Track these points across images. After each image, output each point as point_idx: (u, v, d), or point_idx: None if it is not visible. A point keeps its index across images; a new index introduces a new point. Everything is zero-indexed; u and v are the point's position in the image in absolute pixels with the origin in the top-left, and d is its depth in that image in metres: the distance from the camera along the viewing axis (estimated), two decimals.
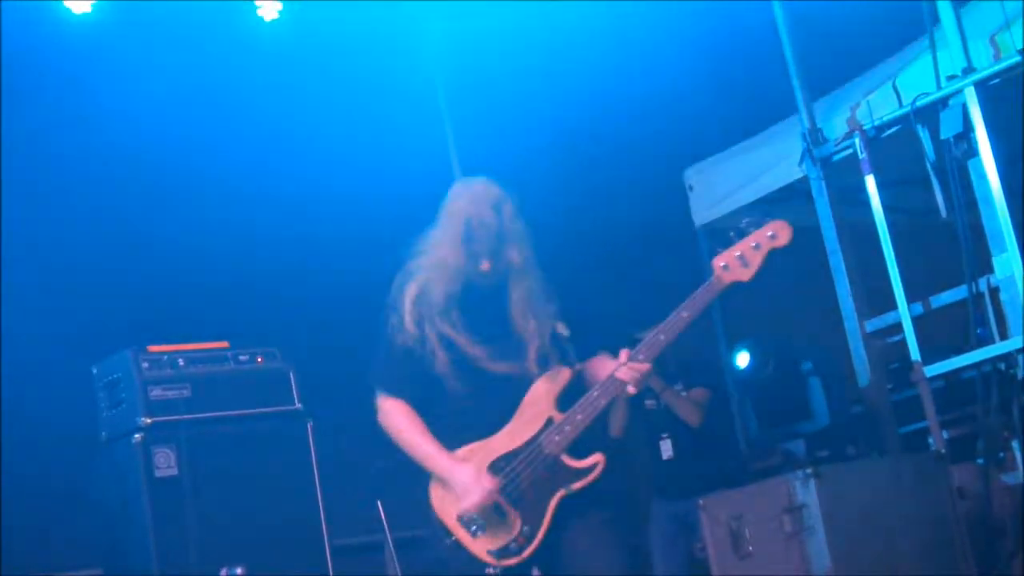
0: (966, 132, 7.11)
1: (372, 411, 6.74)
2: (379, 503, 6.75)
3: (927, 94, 7.26)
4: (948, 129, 7.18)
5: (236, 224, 6.97)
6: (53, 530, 6.36)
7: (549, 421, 4.47)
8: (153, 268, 6.81)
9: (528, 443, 4.46)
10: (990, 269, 7.20)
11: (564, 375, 4.54)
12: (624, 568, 4.50)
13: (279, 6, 7.02)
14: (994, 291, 7.17)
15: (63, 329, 6.53)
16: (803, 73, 7.74)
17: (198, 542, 6.00)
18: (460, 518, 4.44)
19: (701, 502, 6.40)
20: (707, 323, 6.51)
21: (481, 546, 4.42)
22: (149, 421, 6.04)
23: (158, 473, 6.02)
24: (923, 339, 7.30)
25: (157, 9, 6.61)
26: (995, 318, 7.16)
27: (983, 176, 7.05)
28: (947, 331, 7.42)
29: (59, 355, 6.48)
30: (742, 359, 7.84)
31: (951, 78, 7.17)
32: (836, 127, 7.72)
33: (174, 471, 6.06)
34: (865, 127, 7.47)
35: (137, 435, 6.01)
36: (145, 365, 6.15)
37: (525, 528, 4.42)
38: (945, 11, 7.07)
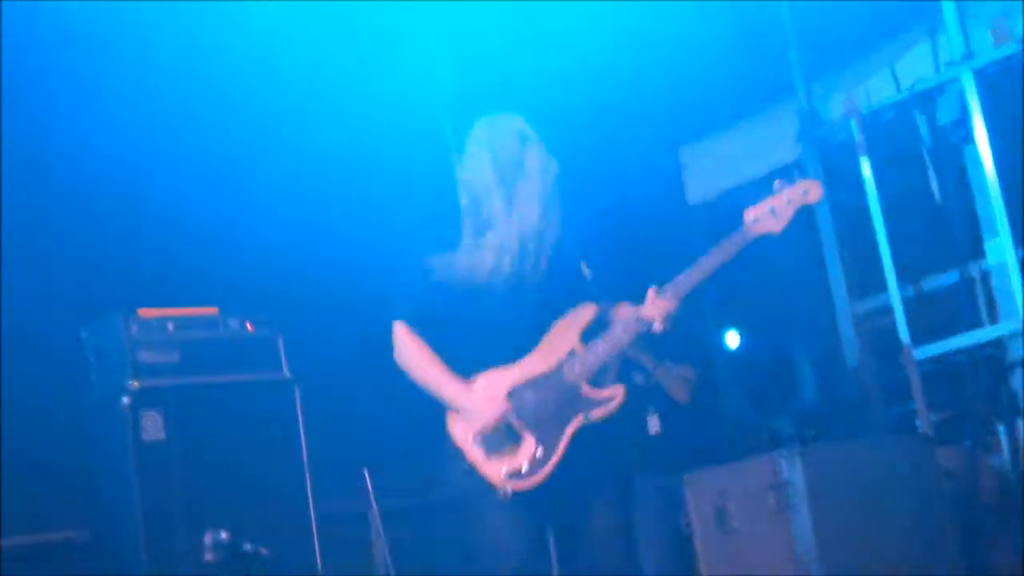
0: (963, 119, 7.17)
1: (360, 379, 6.86)
2: (365, 472, 6.89)
3: (925, 79, 7.33)
4: (945, 115, 7.26)
5: (229, 189, 6.94)
6: (40, 492, 6.26)
7: (572, 352, 4.54)
8: (144, 231, 6.77)
9: (549, 370, 4.54)
10: (982, 254, 7.27)
11: (590, 311, 4.61)
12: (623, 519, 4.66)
13: None
14: (985, 276, 7.26)
15: (52, 290, 6.46)
16: (801, 55, 7.80)
17: (184, 506, 5.96)
18: (474, 440, 4.50)
19: (686, 477, 6.40)
20: (697, 302, 6.51)
21: (495, 468, 4.47)
22: (137, 385, 6.02)
23: (145, 437, 5.98)
24: (913, 322, 7.34)
25: None
26: (985, 303, 7.27)
27: (978, 162, 7.11)
28: (938, 314, 7.45)
29: (48, 317, 6.39)
30: (732, 339, 7.87)
31: (949, 64, 7.24)
32: (833, 109, 7.79)
33: (161, 435, 6.02)
34: (862, 111, 7.51)
35: (125, 398, 5.98)
36: (134, 329, 6.11)
37: (540, 451, 4.47)
38: None
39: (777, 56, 7.74)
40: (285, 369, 6.43)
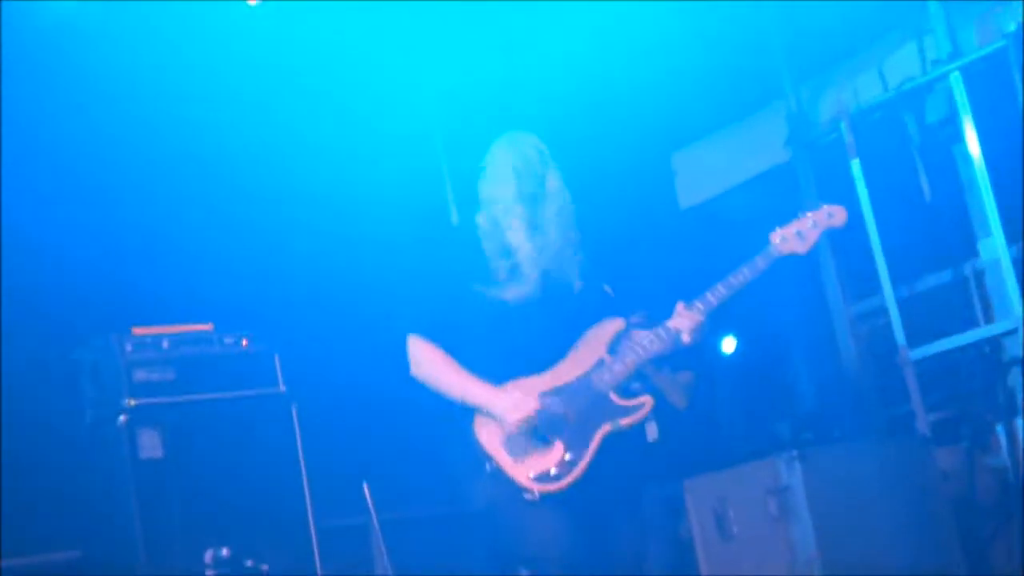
0: (952, 117, 7.17)
1: (357, 394, 6.86)
2: (365, 485, 6.90)
3: (913, 79, 7.32)
4: (934, 114, 7.26)
5: (223, 208, 6.96)
6: (36, 512, 6.28)
7: (601, 362, 4.65)
8: (138, 250, 6.79)
9: (578, 379, 4.63)
10: (976, 253, 7.28)
11: (617, 324, 4.72)
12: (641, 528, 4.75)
13: None
14: (979, 274, 7.26)
15: (46, 310, 6.50)
16: (789, 57, 7.81)
17: (183, 524, 5.98)
18: (502, 444, 4.55)
19: (686, 484, 6.43)
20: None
21: (523, 471, 4.51)
22: (133, 403, 6.04)
23: (143, 455, 6.01)
24: (908, 322, 7.34)
25: None
26: (980, 302, 7.25)
27: (968, 160, 7.10)
28: (933, 314, 7.44)
29: (42, 337, 6.46)
30: (728, 344, 7.86)
31: (936, 63, 7.22)
32: (822, 111, 7.81)
33: (159, 453, 6.04)
34: (851, 112, 7.51)
35: (121, 417, 6.01)
36: (129, 347, 6.13)
37: (568, 456, 4.53)
38: None
39: (765, 59, 7.77)
40: (281, 384, 6.43)
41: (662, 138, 8.60)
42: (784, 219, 4.73)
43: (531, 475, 4.52)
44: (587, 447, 4.55)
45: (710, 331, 4.82)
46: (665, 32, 7.21)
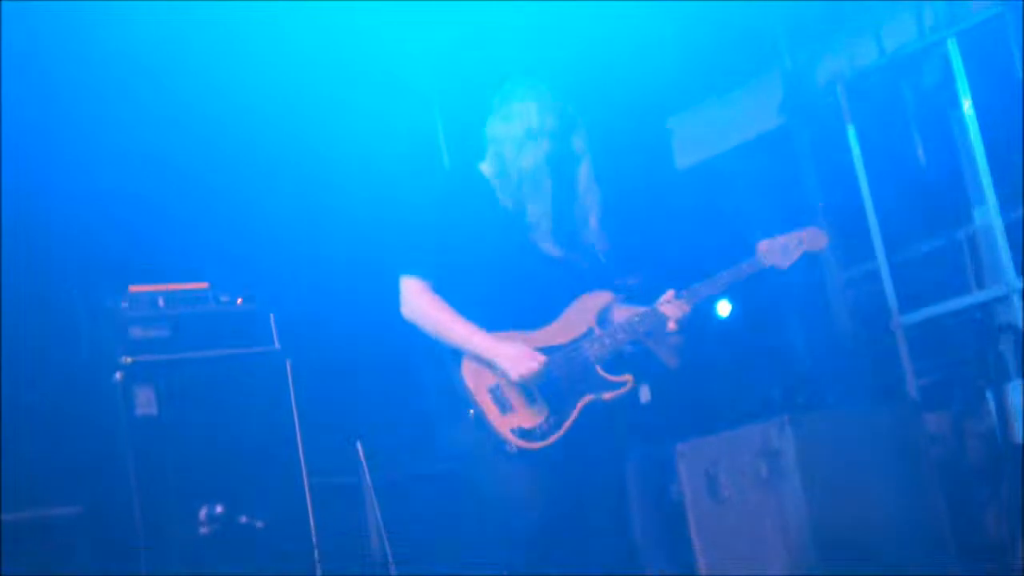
0: (947, 82, 7.17)
1: (351, 353, 6.89)
2: (358, 444, 6.80)
3: (909, 44, 7.35)
4: (930, 79, 7.29)
5: (219, 169, 6.95)
6: (34, 468, 6.23)
7: (590, 331, 4.69)
8: (135, 211, 6.75)
9: (569, 343, 4.66)
10: (969, 218, 7.28)
11: (606, 296, 4.78)
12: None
13: None
14: (972, 240, 7.27)
15: (44, 268, 6.51)
16: (787, 22, 7.80)
17: (178, 480, 6.00)
18: (489, 392, 4.57)
19: (678, 447, 6.49)
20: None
21: (506, 423, 4.54)
22: (129, 360, 6.04)
23: (138, 411, 6.02)
24: (901, 287, 7.39)
25: None
26: (973, 268, 7.27)
27: (964, 126, 7.11)
28: (925, 280, 7.47)
29: (39, 294, 6.46)
30: (724, 308, 7.88)
31: (933, 28, 7.24)
32: (819, 76, 7.82)
33: (154, 410, 6.06)
34: (847, 77, 7.54)
35: (117, 374, 6.01)
36: (125, 304, 6.15)
37: (552, 418, 4.57)
38: None
39: (763, 25, 7.75)
40: (276, 342, 6.43)
41: (661, 101, 8.60)
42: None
43: (512, 429, 4.54)
44: (569, 413, 4.59)
45: (691, 324, 4.89)
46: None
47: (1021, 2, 6.76)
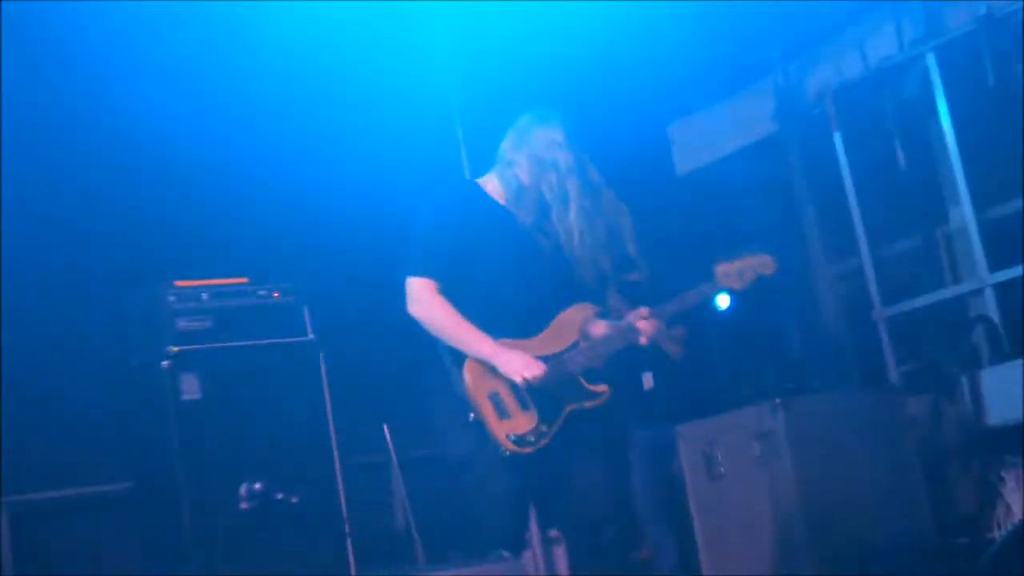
0: (926, 94, 7.31)
1: (380, 343, 6.91)
2: (385, 427, 7.09)
3: (891, 58, 7.47)
4: (910, 91, 7.42)
5: (258, 172, 7.06)
6: (89, 447, 6.48)
7: (575, 344, 4.77)
8: (182, 208, 6.93)
9: (556, 354, 4.73)
10: (945, 219, 7.46)
11: (589, 309, 4.87)
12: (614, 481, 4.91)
13: None
14: (948, 239, 7.43)
15: (102, 265, 6.69)
16: (779, 37, 7.89)
17: (219, 460, 6.14)
18: (489, 397, 4.65)
19: (678, 428, 6.58)
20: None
21: (503, 429, 4.61)
22: (176, 349, 6.17)
23: (184, 397, 6.14)
24: (883, 282, 7.49)
25: None
26: (948, 264, 7.43)
27: (941, 134, 7.25)
28: (905, 275, 7.60)
29: (96, 288, 6.62)
30: (723, 300, 8.06)
31: (913, 43, 7.37)
32: (808, 87, 7.92)
33: (198, 395, 6.19)
34: (834, 88, 7.66)
35: (165, 362, 6.15)
36: (172, 298, 6.29)
37: (543, 426, 4.64)
38: None
39: (757, 39, 7.81)
40: (310, 333, 6.55)
41: (660, 111, 8.61)
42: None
43: (509, 435, 4.60)
44: (556, 421, 4.66)
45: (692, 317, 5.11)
46: (663, 12, 7.24)
47: (994, 20, 6.90)
